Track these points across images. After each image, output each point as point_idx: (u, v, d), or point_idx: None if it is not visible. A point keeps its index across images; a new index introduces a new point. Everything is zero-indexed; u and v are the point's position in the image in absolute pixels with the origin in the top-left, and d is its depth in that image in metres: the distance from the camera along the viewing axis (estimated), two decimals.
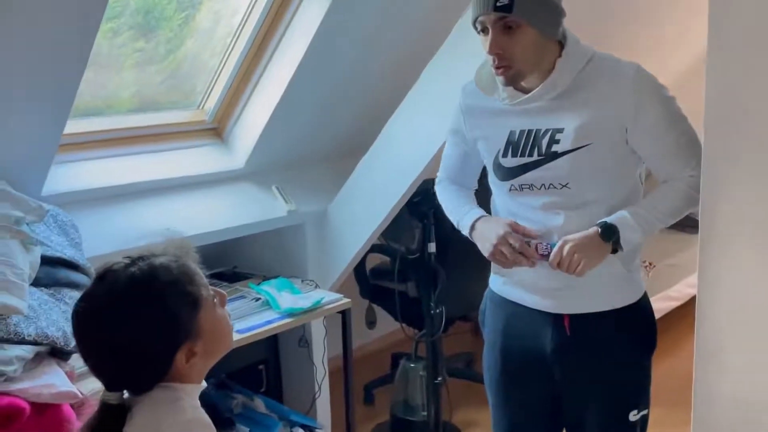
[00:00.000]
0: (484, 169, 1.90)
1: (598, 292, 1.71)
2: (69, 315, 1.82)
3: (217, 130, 2.92)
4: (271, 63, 2.76)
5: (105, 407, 1.15)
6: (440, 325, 2.99)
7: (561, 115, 1.64)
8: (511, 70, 1.61)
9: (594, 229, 1.62)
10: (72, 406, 1.74)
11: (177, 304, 1.14)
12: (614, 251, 1.64)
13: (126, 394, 1.17)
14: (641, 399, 1.78)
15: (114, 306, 1.12)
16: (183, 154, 2.81)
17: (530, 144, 1.67)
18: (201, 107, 2.89)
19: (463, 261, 2.83)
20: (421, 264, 3.00)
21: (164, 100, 2.85)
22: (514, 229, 1.69)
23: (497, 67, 1.61)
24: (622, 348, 1.74)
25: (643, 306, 1.78)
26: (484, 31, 1.61)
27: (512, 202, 1.75)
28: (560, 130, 1.64)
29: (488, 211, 1.87)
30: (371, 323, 3.52)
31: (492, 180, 1.81)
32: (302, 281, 2.83)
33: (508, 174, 1.72)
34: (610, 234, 1.61)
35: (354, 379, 2.81)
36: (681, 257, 4.35)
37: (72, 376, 1.80)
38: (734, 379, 1.41)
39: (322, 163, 3.17)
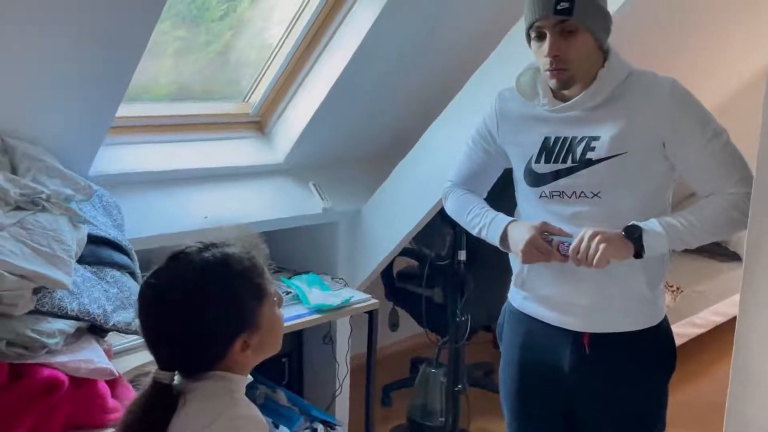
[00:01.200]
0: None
1: (620, 312, 1.71)
2: (110, 294, 1.88)
3: (259, 123, 2.97)
4: (318, 62, 2.79)
5: (156, 386, 1.17)
6: (465, 332, 3.01)
7: (598, 124, 1.66)
8: (566, 74, 1.63)
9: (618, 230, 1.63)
10: (107, 383, 1.78)
11: (244, 293, 1.18)
12: (638, 255, 1.61)
13: (176, 379, 1.19)
14: (657, 422, 1.78)
15: (185, 285, 1.15)
16: (225, 145, 2.86)
17: (565, 150, 1.69)
18: (246, 100, 2.93)
19: (490, 271, 2.84)
20: (450, 271, 3.02)
21: (202, 89, 2.88)
22: (544, 229, 1.68)
23: (554, 70, 1.63)
24: (641, 370, 1.75)
25: (663, 329, 1.78)
26: (540, 36, 1.63)
27: (541, 211, 1.74)
28: (596, 138, 1.65)
29: None
30: (394, 325, 3.55)
31: (521, 188, 1.81)
32: (332, 278, 2.87)
33: (539, 180, 1.73)
34: (632, 231, 1.61)
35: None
36: (709, 284, 4.33)
37: (109, 354, 1.84)
38: None
39: (359, 164, 3.20)
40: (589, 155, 1.66)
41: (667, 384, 1.81)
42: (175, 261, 1.17)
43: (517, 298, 1.87)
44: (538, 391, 1.83)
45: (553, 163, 1.70)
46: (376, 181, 2.95)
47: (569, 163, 1.68)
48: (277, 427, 2.62)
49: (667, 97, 1.63)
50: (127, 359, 1.94)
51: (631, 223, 1.62)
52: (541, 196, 1.74)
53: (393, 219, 2.87)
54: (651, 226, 1.62)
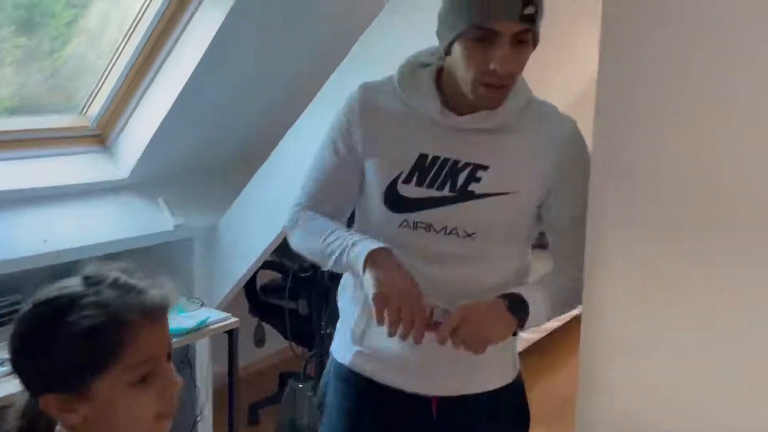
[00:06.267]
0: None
1: (472, 370, 1.45)
2: None
3: (100, 137, 2.77)
4: (163, 68, 2.65)
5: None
6: (330, 344, 2.95)
7: (489, 150, 1.38)
8: (505, 91, 1.34)
9: (500, 302, 1.34)
10: None
11: (72, 352, 0.95)
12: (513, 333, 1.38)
13: None
14: None
15: (25, 319, 0.99)
16: (63, 161, 2.67)
17: (443, 175, 1.37)
18: (84, 112, 2.73)
19: None
20: (313, 282, 2.96)
21: (46, 101, 2.70)
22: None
23: (498, 87, 1.32)
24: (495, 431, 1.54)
25: (518, 387, 1.57)
26: (486, 40, 1.27)
27: (394, 243, 1.38)
28: (484, 168, 1.37)
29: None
30: (260, 341, 3.44)
31: (374, 210, 1.44)
32: (188, 299, 2.72)
33: (404, 206, 1.40)
34: (521, 311, 1.35)
35: (239, 399, 2.72)
36: None
37: None
38: (617, 407, 1.43)
39: (213, 176, 3.06)
40: (472, 187, 1.37)
41: None
42: (32, 298, 1.00)
43: (347, 353, 1.51)
44: None
45: (427, 187, 1.38)
46: (232, 193, 2.83)
47: (446, 192, 1.37)
48: None
49: (568, 141, 1.41)
50: None
51: (515, 298, 1.35)
52: (401, 225, 1.41)
53: (251, 232, 2.76)
54: (538, 306, 1.38)
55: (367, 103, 1.43)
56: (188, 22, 2.56)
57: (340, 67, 2.49)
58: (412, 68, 1.42)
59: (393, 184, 1.40)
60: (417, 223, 1.39)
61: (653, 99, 1.34)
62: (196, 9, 2.52)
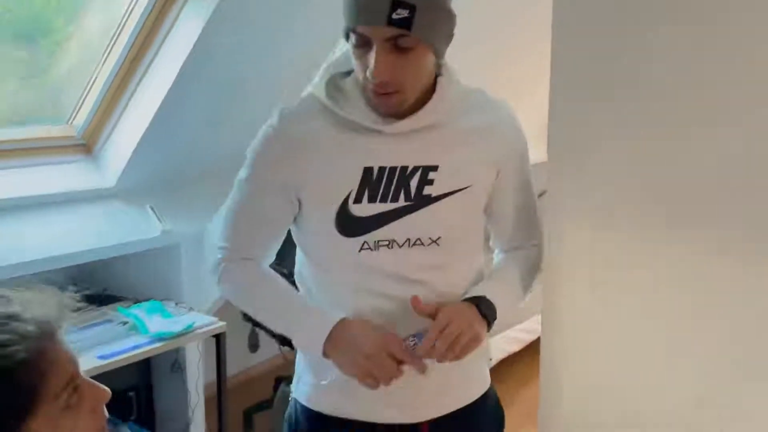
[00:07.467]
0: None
1: (458, 383, 1.44)
2: None
3: (86, 146, 2.79)
4: (147, 75, 2.65)
5: None
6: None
7: (434, 149, 1.32)
8: (396, 98, 1.26)
9: (471, 307, 1.32)
10: None
11: None
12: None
13: None
14: None
15: None
16: (49, 170, 2.67)
17: (394, 185, 1.30)
18: (70, 123, 2.75)
19: None
20: None
21: (39, 113, 2.73)
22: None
23: (380, 94, 1.25)
24: None
25: (493, 391, 1.54)
26: (363, 44, 1.22)
27: (359, 270, 1.34)
28: (434, 168, 1.31)
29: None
30: (254, 346, 3.44)
31: (328, 243, 1.34)
32: (176, 304, 2.73)
33: (360, 227, 1.31)
34: (490, 313, 1.34)
35: (234, 404, 2.73)
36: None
37: None
38: (576, 422, 1.44)
39: (201, 181, 3.06)
40: (428, 190, 1.31)
41: None
42: None
43: (310, 393, 1.43)
44: None
45: (380, 202, 1.30)
46: (219, 197, 2.80)
47: (402, 202, 1.31)
48: None
49: (506, 122, 1.40)
50: None
51: (481, 300, 1.34)
52: (362, 249, 1.32)
53: None
54: (501, 302, 1.37)
55: (291, 130, 1.34)
56: (171, 28, 2.56)
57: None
58: (334, 80, 1.34)
59: (344, 207, 1.31)
60: (378, 242, 1.32)
61: (605, 101, 1.35)
62: (178, 15, 2.53)
